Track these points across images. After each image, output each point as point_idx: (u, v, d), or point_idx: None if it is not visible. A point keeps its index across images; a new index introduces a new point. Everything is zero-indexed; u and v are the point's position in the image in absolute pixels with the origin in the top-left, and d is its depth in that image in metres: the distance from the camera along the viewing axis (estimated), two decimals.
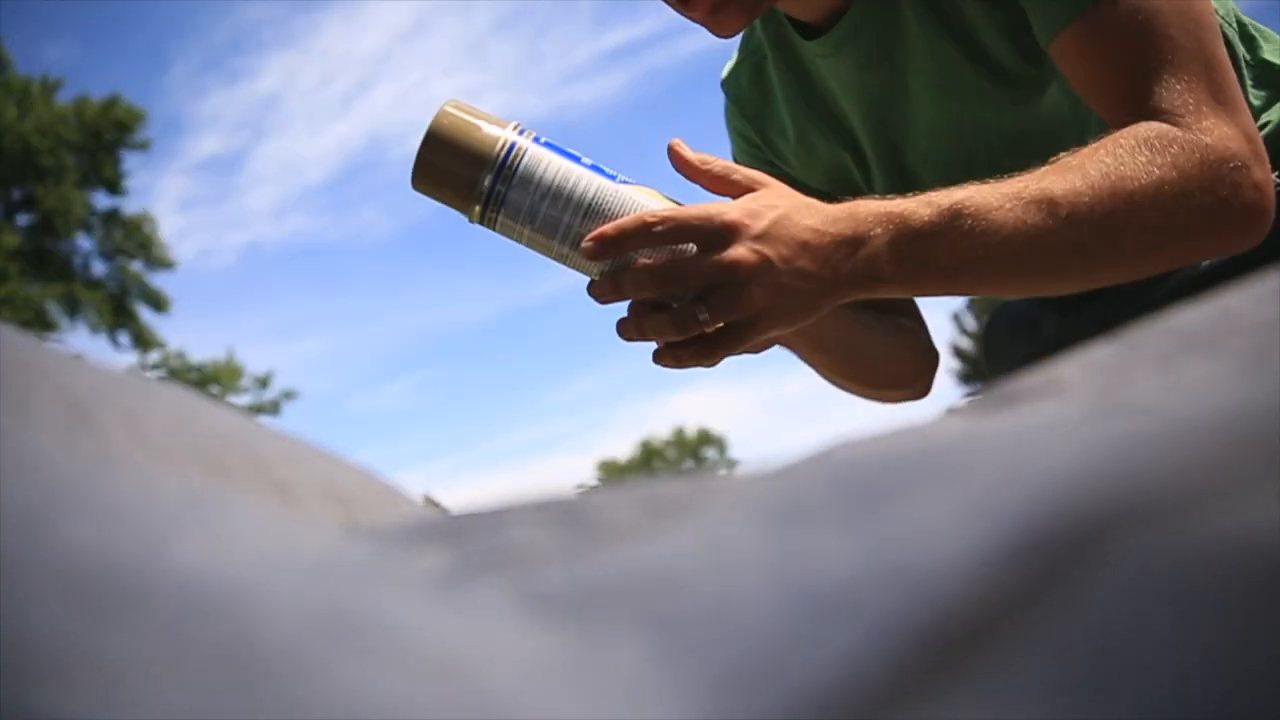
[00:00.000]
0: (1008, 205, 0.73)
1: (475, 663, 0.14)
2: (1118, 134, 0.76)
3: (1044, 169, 0.75)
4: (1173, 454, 0.15)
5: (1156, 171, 0.74)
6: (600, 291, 0.77)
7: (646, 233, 0.74)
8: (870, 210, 0.75)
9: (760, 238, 0.73)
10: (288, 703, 0.12)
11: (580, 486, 0.22)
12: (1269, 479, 0.13)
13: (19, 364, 0.18)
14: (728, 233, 0.73)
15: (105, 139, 16.25)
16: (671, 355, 0.79)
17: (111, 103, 16.19)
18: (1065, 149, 0.77)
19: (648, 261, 0.75)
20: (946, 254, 0.74)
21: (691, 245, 0.74)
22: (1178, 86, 0.77)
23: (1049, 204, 0.73)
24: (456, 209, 0.80)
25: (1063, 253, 0.75)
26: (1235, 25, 0.95)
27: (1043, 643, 0.13)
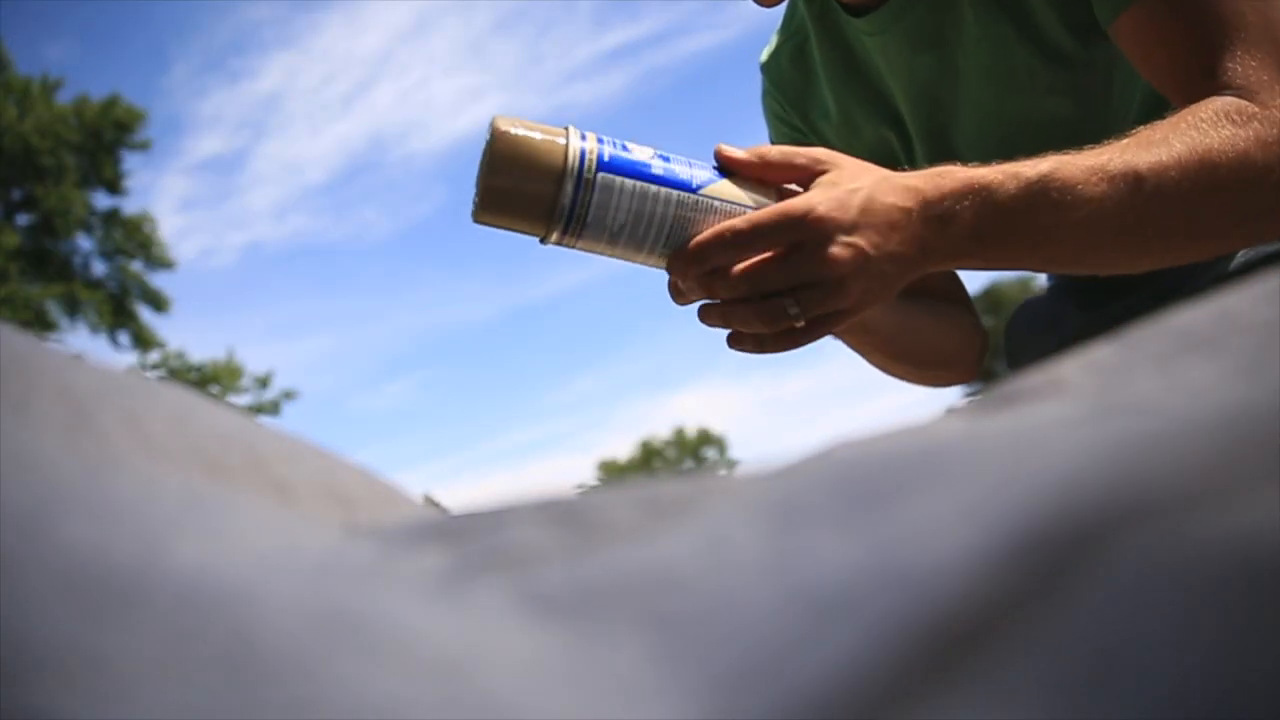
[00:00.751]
0: (1094, 180, 0.70)
1: (475, 663, 0.14)
2: (1195, 106, 0.74)
3: (1125, 141, 0.72)
4: (1173, 454, 0.15)
5: (1240, 145, 0.71)
6: (687, 296, 0.75)
7: (729, 245, 0.71)
8: (955, 182, 0.71)
9: (852, 229, 0.69)
10: (288, 703, 0.12)
11: (580, 486, 0.22)
12: (1269, 479, 0.13)
13: (19, 364, 0.18)
14: (818, 230, 0.69)
15: (105, 139, 16.24)
16: (755, 343, 0.76)
17: (111, 103, 16.18)
18: (1108, 136, 0.75)
19: (740, 266, 0.71)
20: (1029, 229, 0.71)
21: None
22: (1251, 63, 0.76)
23: (1135, 178, 0.70)
24: (529, 233, 0.74)
25: (1145, 230, 0.72)
26: None
27: (1042, 643, 0.13)
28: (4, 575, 0.14)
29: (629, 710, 0.14)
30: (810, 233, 0.69)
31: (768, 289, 0.71)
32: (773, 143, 1.15)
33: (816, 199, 0.70)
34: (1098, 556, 0.13)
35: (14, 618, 0.13)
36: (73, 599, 0.14)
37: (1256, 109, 0.73)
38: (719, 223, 0.73)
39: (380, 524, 0.20)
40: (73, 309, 15.95)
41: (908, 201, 0.70)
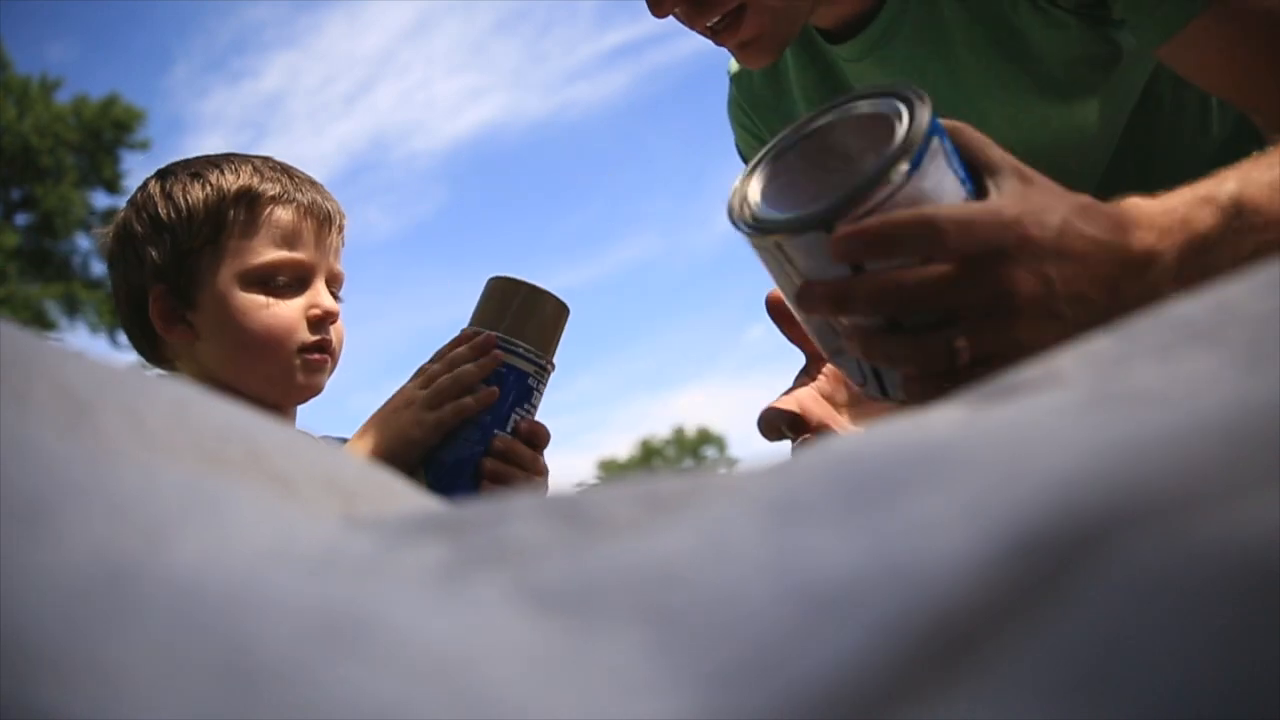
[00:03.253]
0: (1278, 197, 0.63)
1: (473, 661, 0.14)
2: None
3: (1271, 158, 0.66)
4: (1174, 452, 0.15)
5: None
6: (810, 303, 0.57)
7: (932, 238, 0.53)
8: (1154, 215, 0.59)
9: (1047, 255, 0.55)
10: (286, 705, 0.12)
11: (580, 485, 0.22)
12: (1270, 478, 0.13)
13: (16, 359, 0.18)
14: (1017, 246, 0.54)
15: (104, 139, 16.23)
16: (921, 389, 0.58)
17: (110, 102, 16.17)
18: (1093, 161, 0.74)
19: (900, 275, 0.54)
20: (1225, 259, 0.61)
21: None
22: None
23: None
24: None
25: None
26: None
27: (1042, 642, 0.13)
28: (4, 568, 0.14)
29: (627, 705, 0.14)
30: (1009, 243, 0.54)
31: (923, 307, 0.55)
32: (737, 147, 1.12)
33: (1014, 207, 0.55)
34: (1099, 555, 0.13)
35: (13, 612, 0.13)
36: (72, 596, 0.14)
37: None
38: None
39: (380, 516, 0.20)
40: (72, 309, 15.95)
41: (1110, 235, 0.57)
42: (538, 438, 0.95)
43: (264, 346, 0.99)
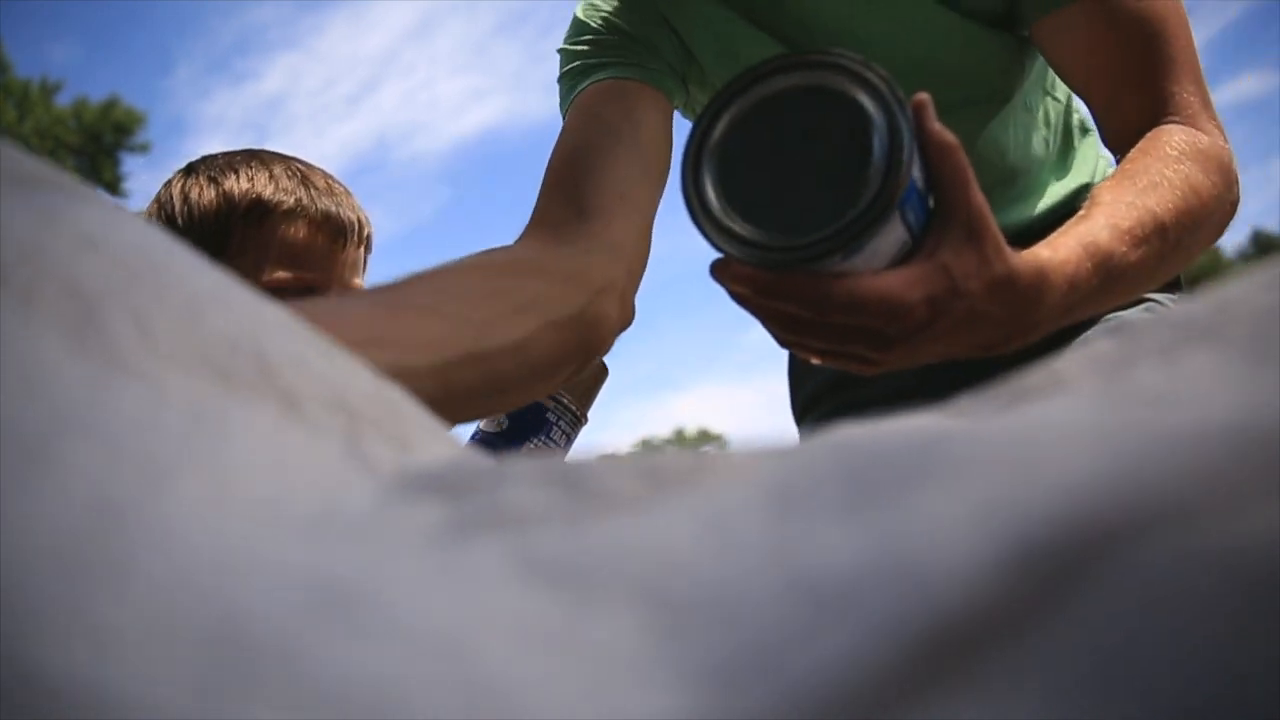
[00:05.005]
0: (1136, 253, 0.68)
1: (468, 633, 0.14)
2: (1158, 140, 0.74)
3: (1132, 185, 0.70)
4: (1179, 450, 0.15)
5: (1211, 181, 0.72)
6: (719, 278, 0.63)
7: (820, 315, 0.60)
8: (1056, 287, 0.64)
9: (923, 340, 0.62)
10: (278, 679, 0.12)
11: (583, 456, 0.22)
12: (1276, 474, 0.13)
13: (26, 251, 0.18)
14: (897, 332, 0.61)
15: (104, 141, 16.18)
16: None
17: (110, 105, 16.12)
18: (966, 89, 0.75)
19: (788, 311, 0.62)
20: (1094, 308, 0.69)
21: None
22: (1190, 87, 0.76)
23: (1160, 233, 0.69)
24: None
25: (1160, 275, 0.72)
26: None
27: (1045, 646, 0.13)
28: (3, 501, 0.14)
29: (625, 687, 0.14)
30: (890, 329, 0.61)
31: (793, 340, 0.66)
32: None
33: (920, 288, 0.60)
34: (1105, 558, 0.13)
35: (8, 561, 0.13)
36: (66, 542, 0.13)
37: (1208, 140, 0.74)
38: None
39: (384, 451, 0.20)
40: None
41: (1008, 315, 0.63)
42: None
43: None
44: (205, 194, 0.99)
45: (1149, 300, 0.99)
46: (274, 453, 0.17)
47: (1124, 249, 0.67)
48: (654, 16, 0.91)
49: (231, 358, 0.19)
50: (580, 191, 0.81)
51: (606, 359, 0.91)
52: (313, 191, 1.01)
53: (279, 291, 0.97)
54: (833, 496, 0.16)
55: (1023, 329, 0.64)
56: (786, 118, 0.59)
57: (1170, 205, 0.69)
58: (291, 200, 0.99)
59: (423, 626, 0.14)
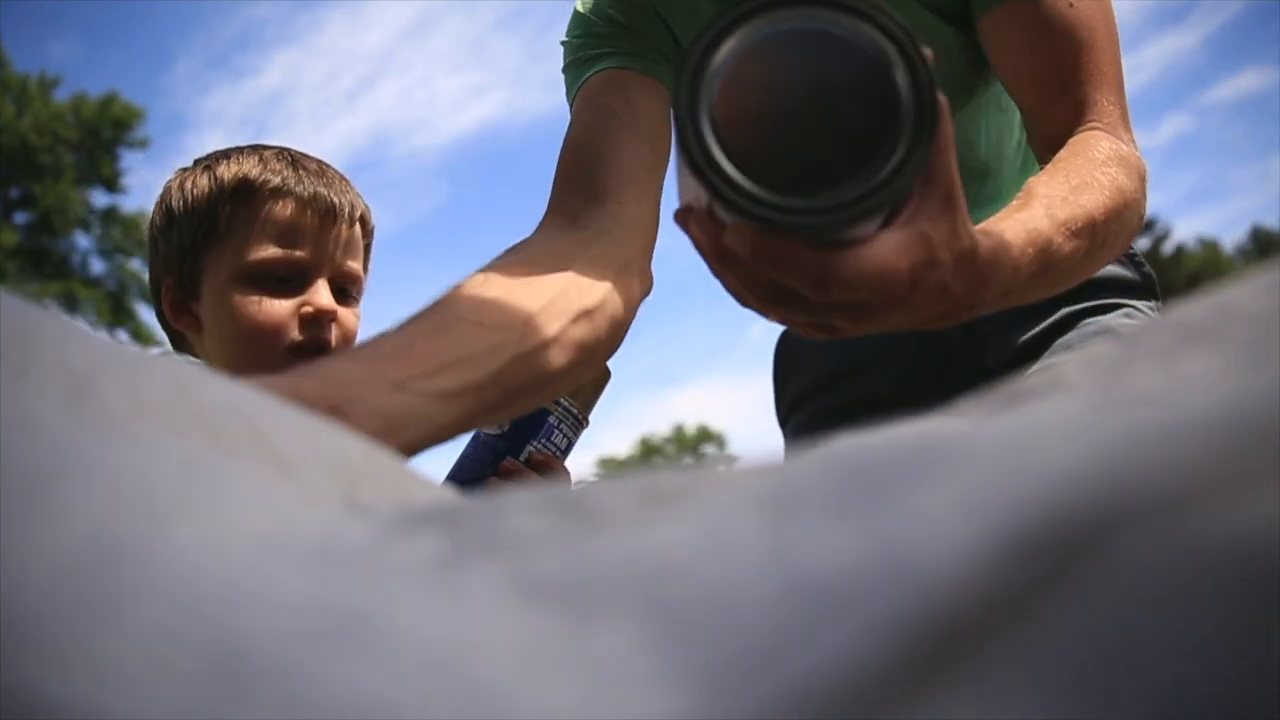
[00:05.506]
0: (1070, 245, 0.69)
1: (469, 655, 0.14)
2: (1086, 144, 0.78)
3: (1065, 182, 0.72)
4: (1174, 446, 0.15)
5: (1134, 187, 0.76)
6: (684, 225, 0.61)
7: (795, 298, 0.59)
8: (1005, 265, 0.64)
9: (888, 309, 0.60)
10: (279, 702, 0.12)
11: (580, 483, 0.22)
12: (1270, 470, 0.13)
13: (17, 332, 0.18)
14: (860, 303, 0.59)
15: (103, 137, 16.25)
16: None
17: (109, 100, 16.17)
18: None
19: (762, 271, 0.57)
20: (1030, 293, 0.69)
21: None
22: (1111, 97, 0.80)
23: (1091, 230, 0.71)
24: None
25: (1083, 273, 0.75)
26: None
27: (1042, 641, 0.13)
28: (1, 543, 0.14)
29: (624, 699, 0.14)
30: (857, 298, 0.58)
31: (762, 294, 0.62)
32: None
33: (892, 259, 0.57)
34: (1099, 553, 0.13)
35: (8, 590, 0.13)
36: (69, 575, 0.13)
37: (1125, 148, 0.79)
38: None
39: (380, 500, 0.20)
40: (71, 307, 15.97)
41: (963, 292, 0.62)
42: (549, 470, 0.98)
43: (252, 344, 0.97)
44: (199, 182, 1.01)
45: (1127, 306, 1.02)
46: (272, 496, 0.17)
47: (1060, 240, 0.68)
48: (644, 7, 0.95)
49: (224, 423, 0.19)
50: (591, 177, 0.85)
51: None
52: (301, 172, 1.02)
53: (269, 268, 0.97)
54: (827, 498, 0.16)
55: (969, 306, 0.64)
56: (790, 61, 0.50)
57: (1100, 205, 0.72)
58: (278, 179, 1.00)
59: (423, 648, 0.14)
